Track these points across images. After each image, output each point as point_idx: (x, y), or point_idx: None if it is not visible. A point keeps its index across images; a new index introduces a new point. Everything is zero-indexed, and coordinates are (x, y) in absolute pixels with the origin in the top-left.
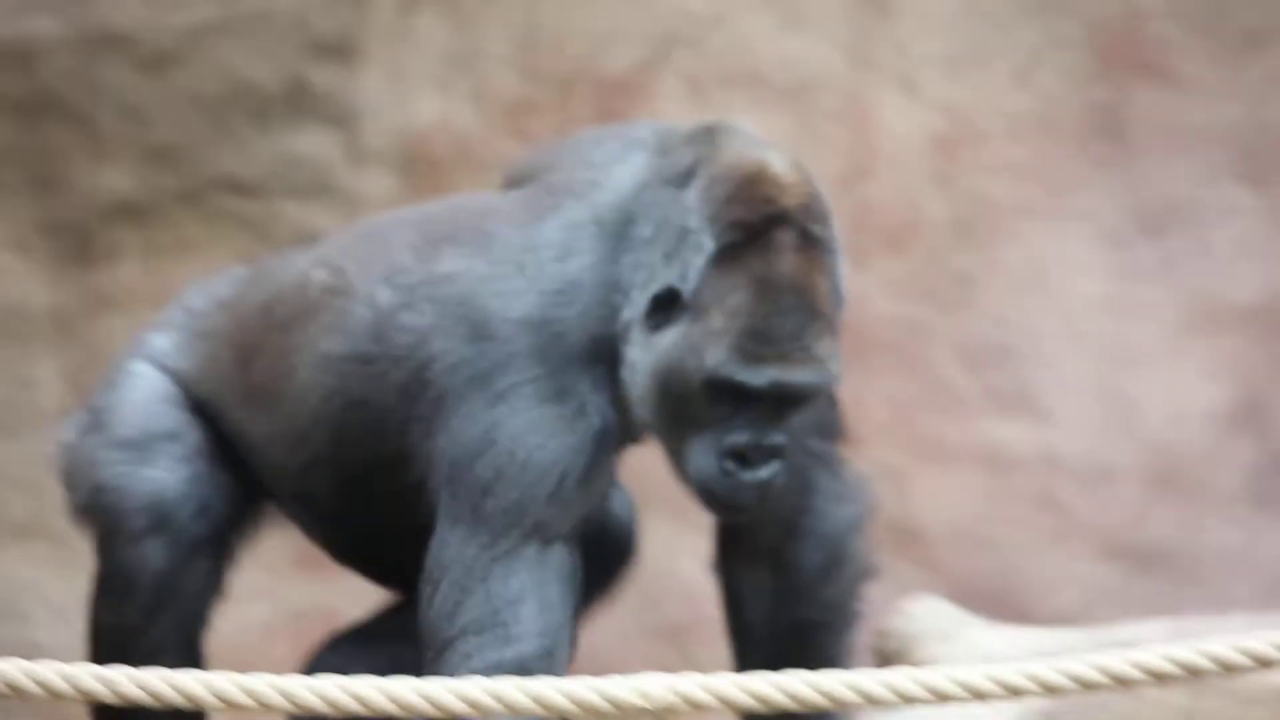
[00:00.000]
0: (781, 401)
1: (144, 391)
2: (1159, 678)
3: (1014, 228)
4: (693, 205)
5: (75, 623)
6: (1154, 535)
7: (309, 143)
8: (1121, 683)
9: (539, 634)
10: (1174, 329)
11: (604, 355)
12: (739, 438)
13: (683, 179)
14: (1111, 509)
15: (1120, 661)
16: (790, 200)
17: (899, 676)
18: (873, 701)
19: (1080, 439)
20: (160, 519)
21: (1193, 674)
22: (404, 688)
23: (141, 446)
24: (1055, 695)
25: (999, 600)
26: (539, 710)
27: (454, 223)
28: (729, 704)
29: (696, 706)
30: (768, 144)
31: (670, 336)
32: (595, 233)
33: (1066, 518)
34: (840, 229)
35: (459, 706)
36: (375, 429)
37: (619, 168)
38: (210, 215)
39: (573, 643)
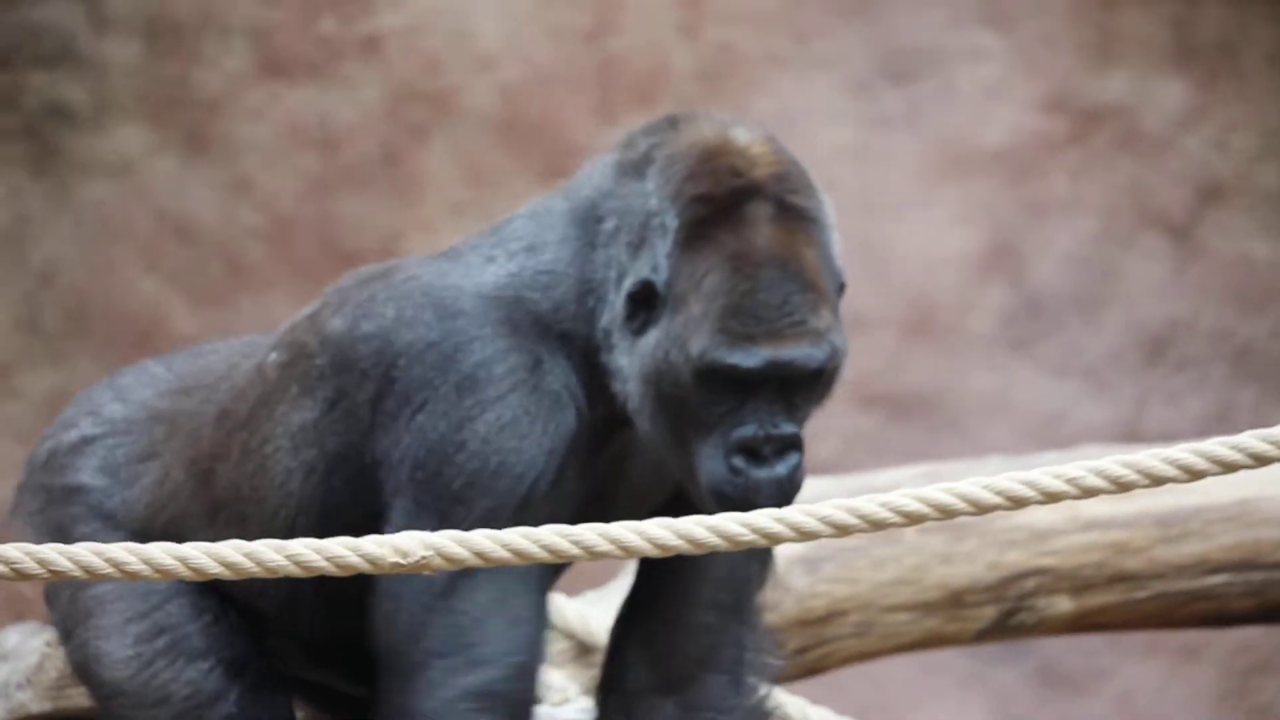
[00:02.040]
0: (784, 384)
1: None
2: (911, 519)
3: (762, 77)
4: (652, 189)
5: None
6: (910, 382)
7: (53, 13)
8: (875, 525)
9: (507, 653)
10: (924, 175)
11: (581, 351)
12: (745, 431)
13: (640, 165)
14: (868, 357)
15: (873, 505)
16: (760, 171)
17: (655, 527)
18: (630, 552)
19: None
20: None
21: (945, 514)
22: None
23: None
24: (810, 539)
25: None
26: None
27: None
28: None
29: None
30: (736, 121)
31: (654, 336)
32: (567, 226)
33: None
34: (829, 206)
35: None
36: (360, 479)
37: (588, 170)
38: None
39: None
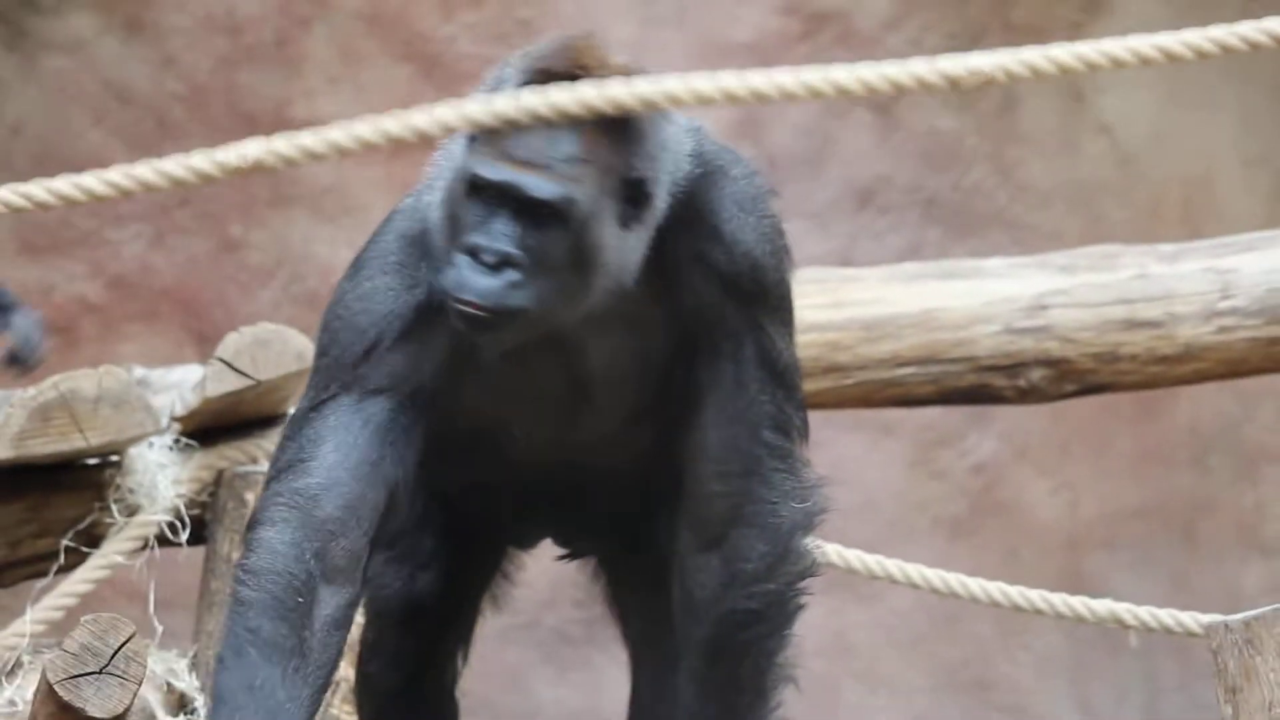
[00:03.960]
0: (518, 208)
1: None
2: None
3: None
4: (509, 73)
5: None
6: None
7: None
8: (557, 112)
9: (329, 468)
10: (688, 62)
11: None
12: (472, 236)
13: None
14: None
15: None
16: (611, 67)
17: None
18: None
19: None
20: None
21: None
22: None
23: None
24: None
25: None
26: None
27: None
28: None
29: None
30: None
31: None
32: None
33: None
34: (680, 136)
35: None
36: None
37: None
38: None
39: (394, 483)
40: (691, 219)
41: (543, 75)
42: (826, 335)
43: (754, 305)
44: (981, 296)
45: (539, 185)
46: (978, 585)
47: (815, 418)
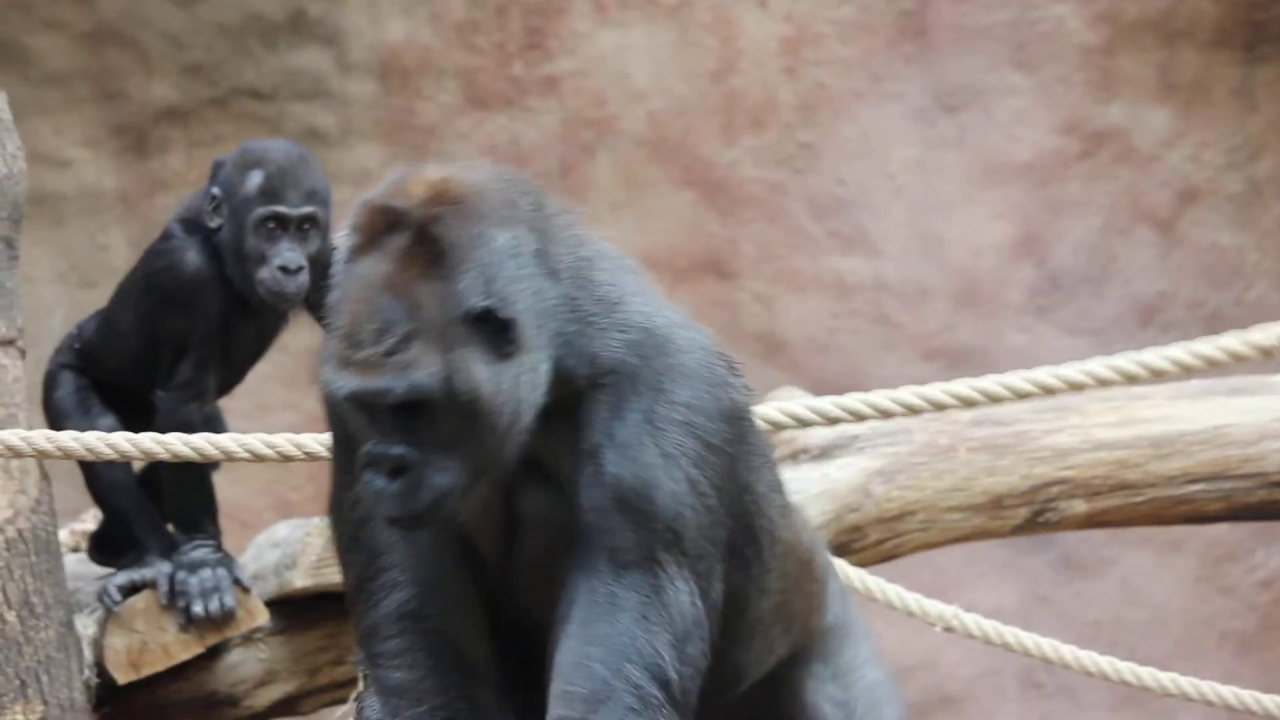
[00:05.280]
0: (386, 411)
1: None
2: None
3: (846, 108)
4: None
5: None
6: (960, 340)
7: (308, 58)
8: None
9: (413, 571)
10: (969, 182)
11: None
12: (366, 447)
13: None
14: (928, 321)
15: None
16: (414, 202)
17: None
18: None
19: (903, 268)
20: None
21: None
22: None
23: None
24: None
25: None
26: None
27: None
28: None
29: None
30: (449, 163)
31: None
32: None
33: (894, 329)
34: (523, 231)
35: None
36: None
37: None
38: (235, 116)
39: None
40: (599, 404)
41: (365, 205)
42: (1115, 453)
43: (644, 531)
44: (1270, 412)
45: (384, 388)
46: (1272, 702)
47: (1102, 535)
